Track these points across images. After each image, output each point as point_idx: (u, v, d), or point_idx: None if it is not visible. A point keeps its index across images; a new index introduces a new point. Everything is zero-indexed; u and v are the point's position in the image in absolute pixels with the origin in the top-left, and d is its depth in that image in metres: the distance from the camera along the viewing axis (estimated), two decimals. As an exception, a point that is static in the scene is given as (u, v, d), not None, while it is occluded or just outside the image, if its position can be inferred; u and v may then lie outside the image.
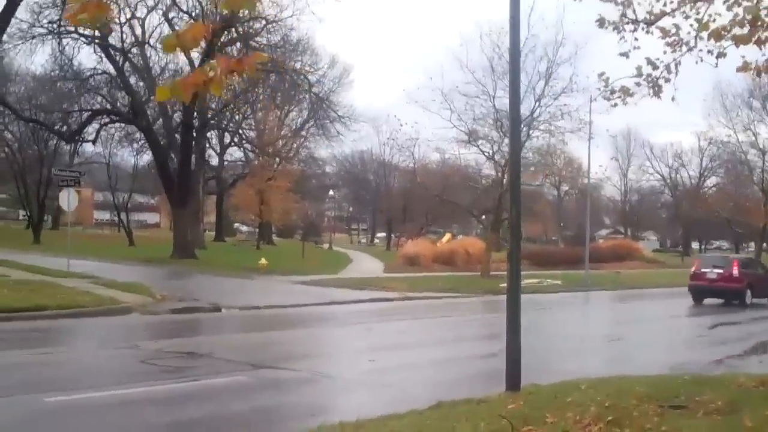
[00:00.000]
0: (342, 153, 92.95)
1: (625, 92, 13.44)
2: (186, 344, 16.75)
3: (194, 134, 52.11)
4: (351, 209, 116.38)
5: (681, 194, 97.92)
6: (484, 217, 46.92)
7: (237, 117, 75.04)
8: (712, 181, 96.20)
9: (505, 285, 35.47)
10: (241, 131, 75.49)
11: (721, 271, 32.53)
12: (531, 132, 42.09)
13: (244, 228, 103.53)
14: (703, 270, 33.23)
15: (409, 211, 76.23)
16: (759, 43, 10.66)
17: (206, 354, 15.30)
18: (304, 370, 13.74)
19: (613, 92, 13.88)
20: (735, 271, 32.35)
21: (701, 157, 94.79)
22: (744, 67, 11.47)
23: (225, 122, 75.07)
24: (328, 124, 70.45)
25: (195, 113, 56.41)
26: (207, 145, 74.68)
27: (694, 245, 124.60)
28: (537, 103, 41.29)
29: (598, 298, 36.14)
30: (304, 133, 79.12)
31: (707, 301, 32.60)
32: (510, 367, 10.95)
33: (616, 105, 16.72)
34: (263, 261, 39.57)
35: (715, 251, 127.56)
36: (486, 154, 43.19)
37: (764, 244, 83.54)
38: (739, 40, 10.84)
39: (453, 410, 9.85)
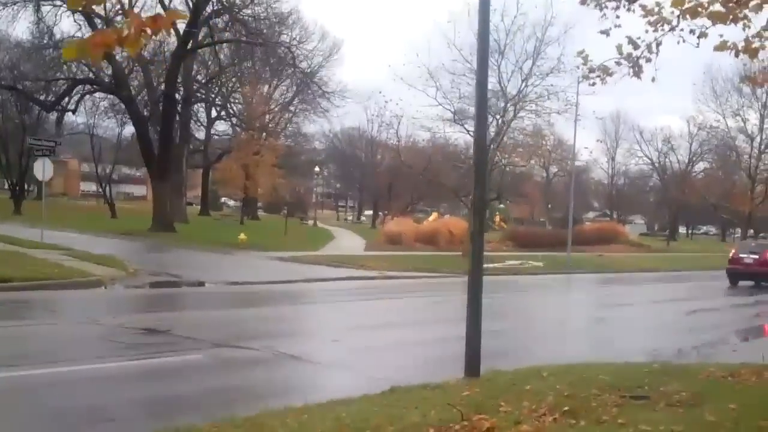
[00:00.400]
0: (331, 129, 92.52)
1: (605, 71, 13.14)
2: (148, 320, 16.31)
3: (178, 106, 51.57)
4: (339, 186, 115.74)
5: (669, 179, 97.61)
6: (471, 197, 46.30)
7: (225, 90, 74.60)
8: (700, 166, 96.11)
9: (487, 266, 35.19)
10: (229, 105, 75.06)
11: (756, 256, 35.73)
12: (517, 112, 41.62)
13: (231, 203, 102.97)
14: (740, 255, 36.73)
15: (395, 190, 75.70)
16: (736, 20, 10.23)
17: (166, 331, 14.89)
18: (264, 350, 13.33)
19: (592, 71, 13.55)
20: None
21: (690, 142, 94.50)
22: (721, 46, 11.04)
23: (213, 96, 74.67)
24: (316, 100, 70.03)
25: (180, 85, 55.96)
26: (193, 119, 74.33)
27: (682, 230, 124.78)
28: (524, 83, 40.82)
29: (578, 281, 35.82)
30: (292, 108, 78.72)
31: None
32: (469, 352, 10.56)
33: (594, 84, 16.32)
34: (242, 236, 39.10)
35: (702, 236, 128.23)
36: (471, 133, 42.54)
37: (750, 231, 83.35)
38: (716, 18, 10.42)
39: (406, 396, 9.47)
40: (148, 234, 41.52)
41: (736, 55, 11.13)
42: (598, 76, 13.27)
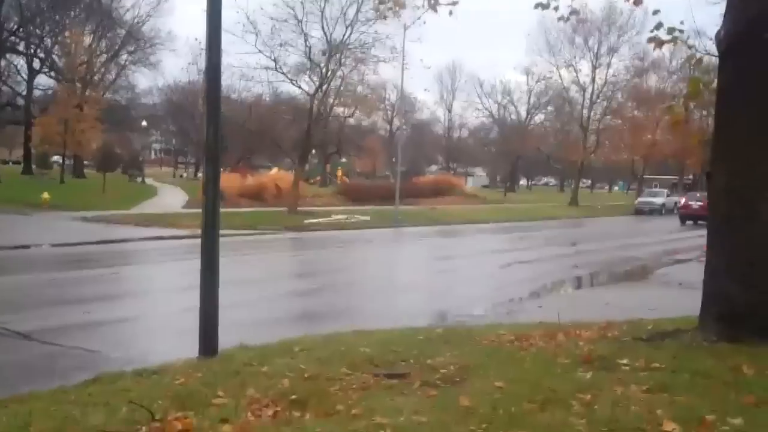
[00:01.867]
0: (165, 83, 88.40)
1: (397, 3, 11.85)
2: None
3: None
4: (174, 142, 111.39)
5: (508, 130, 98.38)
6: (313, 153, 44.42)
7: (48, 42, 69.74)
8: (540, 118, 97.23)
9: (311, 221, 33.30)
10: (51, 57, 70.32)
11: (701, 203, 44.05)
12: (343, 60, 39.87)
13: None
14: (689, 203, 49.21)
15: (225, 144, 72.76)
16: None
17: None
18: (-10, 326, 11.19)
19: (382, 2, 12.27)
20: None
21: (529, 94, 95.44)
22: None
23: (33, 47, 69.69)
24: (139, 52, 66.64)
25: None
26: (13, 71, 69.47)
27: (523, 182, 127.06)
28: (349, 29, 39.09)
29: (403, 235, 34.52)
30: (121, 61, 74.67)
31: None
32: (204, 326, 8.75)
33: (386, 17, 15.18)
34: (45, 195, 36.01)
35: (542, 187, 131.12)
36: (294, 82, 40.69)
37: (586, 180, 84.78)
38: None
39: (107, 387, 7.57)
40: (-63, 195, 37.78)
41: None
42: (390, 8, 12.15)
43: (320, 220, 36.08)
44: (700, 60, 9.48)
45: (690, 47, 9.52)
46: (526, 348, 9.36)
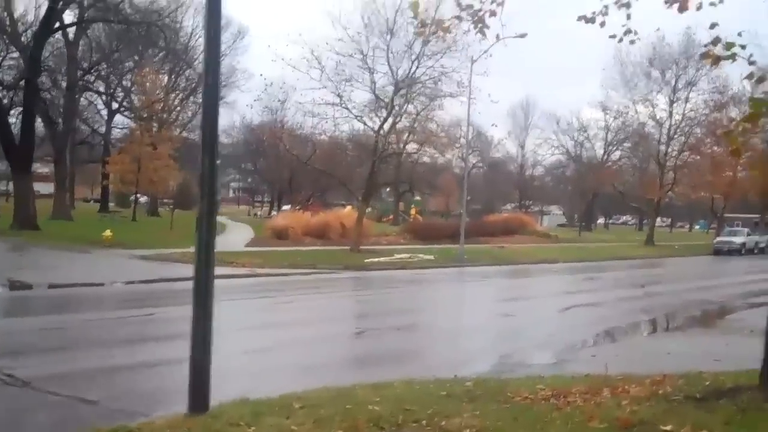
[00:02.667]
0: (243, 121, 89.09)
1: (440, 26, 11.09)
2: None
3: (48, 93, 48.02)
4: (250, 180, 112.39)
5: (584, 168, 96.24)
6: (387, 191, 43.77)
7: (128, 82, 70.79)
8: (617, 155, 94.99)
9: (372, 260, 32.31)
10: (129, 97, 71.38)
11: None
12: (410, 95, 39.21)
13: (143, 199, 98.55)
14: None
15: (296, 182, 72.65)
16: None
17: None
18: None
19: (424, 25, 11.50)
20: None
21: (606, 130, 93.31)
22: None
23: (113, 86, 70.83)
24: (221, 90, 66.88)
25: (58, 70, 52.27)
26: (94, 111, 70.62)
27: (601, 221, 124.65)
28: (414, 63, 38.36)
29: (466, 275, 33.28)
30: (198, 99, 75.36)
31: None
32: (193, 380, 7.88)
33: (428, 41, 14.32)
34: (107, 233, 35.95)
35: (620, 226, 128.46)
36: (359, 118, 40.08)
37: (666, 219, 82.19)
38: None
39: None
40: (6, 232, 37.91)
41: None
42: (434, 32, 11.38)
43: (381, 259, 35.18)
44: (762, 78, 8.36)
45: (751, 63, 8.38)
46: (561, 407, 8.33)
